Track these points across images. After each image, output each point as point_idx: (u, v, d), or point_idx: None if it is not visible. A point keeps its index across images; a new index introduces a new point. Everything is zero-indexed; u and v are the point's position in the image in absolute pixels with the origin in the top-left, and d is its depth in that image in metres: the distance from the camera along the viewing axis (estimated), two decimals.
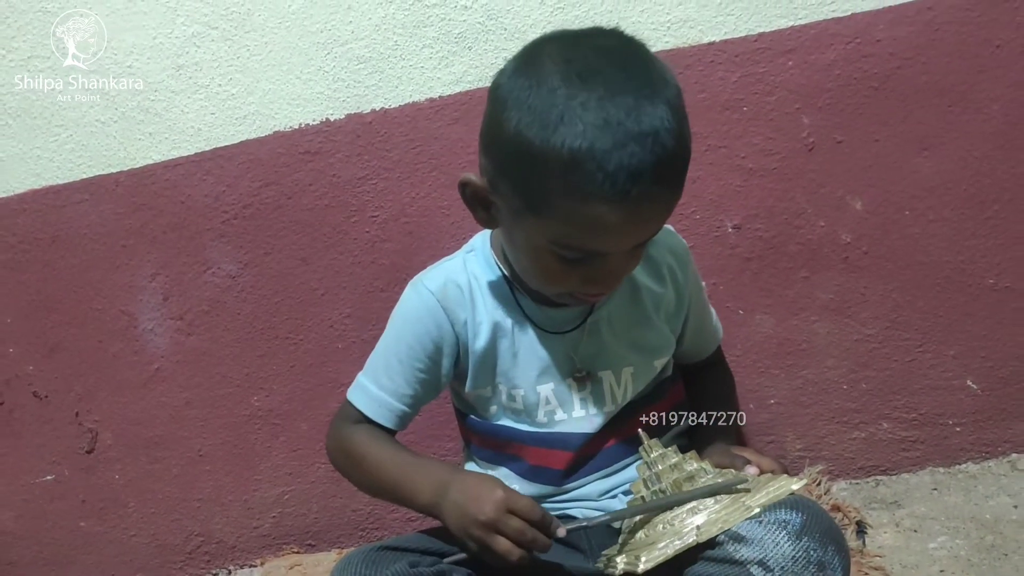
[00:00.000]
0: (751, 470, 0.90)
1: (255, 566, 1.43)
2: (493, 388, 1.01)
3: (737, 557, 0.85)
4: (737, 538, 0.86)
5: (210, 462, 1.41)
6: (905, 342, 1.29)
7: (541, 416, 1.01)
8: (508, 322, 0.99)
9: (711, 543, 0.83)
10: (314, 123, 1.29)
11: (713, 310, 1.12)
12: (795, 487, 0.85)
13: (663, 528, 0.85)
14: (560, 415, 1.01)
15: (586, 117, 0.75)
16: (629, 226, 0.80)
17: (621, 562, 0.86)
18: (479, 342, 0.99)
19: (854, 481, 1.34)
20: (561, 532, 0.86)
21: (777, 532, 0.85)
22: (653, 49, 1.21)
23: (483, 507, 0.84)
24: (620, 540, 0.91)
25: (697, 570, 0.86)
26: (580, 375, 0.99)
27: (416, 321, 1.00)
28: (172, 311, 1.36)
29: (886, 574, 1.09)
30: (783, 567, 0.83)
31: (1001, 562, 1.09)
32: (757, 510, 0.83)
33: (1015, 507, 1.20)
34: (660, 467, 0.88)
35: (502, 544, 0.84)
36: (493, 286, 0.99)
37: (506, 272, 0.98)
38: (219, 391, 1.39)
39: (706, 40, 1.23)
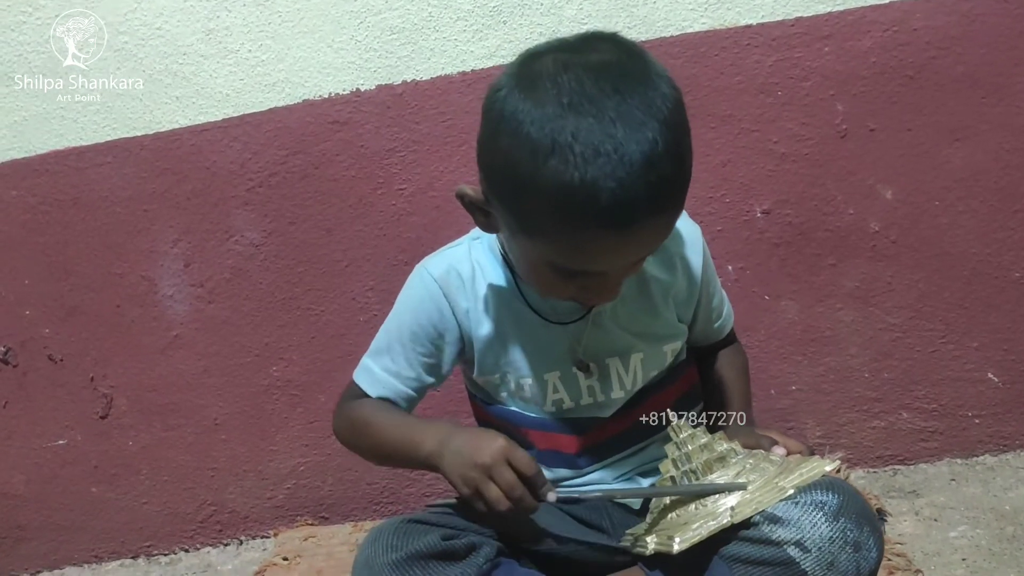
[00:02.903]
0: (779, 451, 0.89)
1: (267, 536, 1.43)
2: (501, 376, 1.01)
3: (774, 538, 0.85)
4: (773, 519, 0.85)
5: (226, 431, 1.40)
6: (929, 333, 1.29)
7: (549, 404, 1.00)
8: (512, 311, 0.98)
9: (746, 523, 0.83)
10: (344, 93, 1.28)
11: (724, 293, 1.12)
12: (828, 468, 0.85)
13: (696, 508, 0.85)
14: (568, 403, 1.00)
15: (576, 148, 0.73)
16: (626, 250, 0.80)
17: (652, 542, 0.86)
18: (482, 330, 0.98)
19: (872, 470, 1.34)
20: (551, 497, 0.86)
21: (814, 513, 0.85)
22: (689, 31, 1.23)
23: (483, 452, 0.85)
24: (649, 519, 0.90)
25: (733, 550, 0.86)
26: (584, 364, 0.99)
27: (418, 306, 1.00)
28: (193, 278, 1.35)
29: (908, 561, 1.09)
30: (820, 547, 0.83)
31: (1023, 552, 1.10)
32: (791, 491, 0.83)
33: None
34: (690, 447, 0.87)
35: (493, 491, 0.84)
36: (497, 275, 0.98)
37: (510, 261, 0.98)
38: (237, 360, 1.38)
39: (743, 22, 1.23)
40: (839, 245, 1.28)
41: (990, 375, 1.30)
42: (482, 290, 0.98)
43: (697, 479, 0.86)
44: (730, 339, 1.14)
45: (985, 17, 1.20)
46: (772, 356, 1.32)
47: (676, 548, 0.82)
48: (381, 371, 1.01)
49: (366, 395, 1.02)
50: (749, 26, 1.22)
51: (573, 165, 0.73)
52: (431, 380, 1.02)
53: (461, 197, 0.89)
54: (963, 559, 1.10)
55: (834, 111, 1.24)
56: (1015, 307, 1.28)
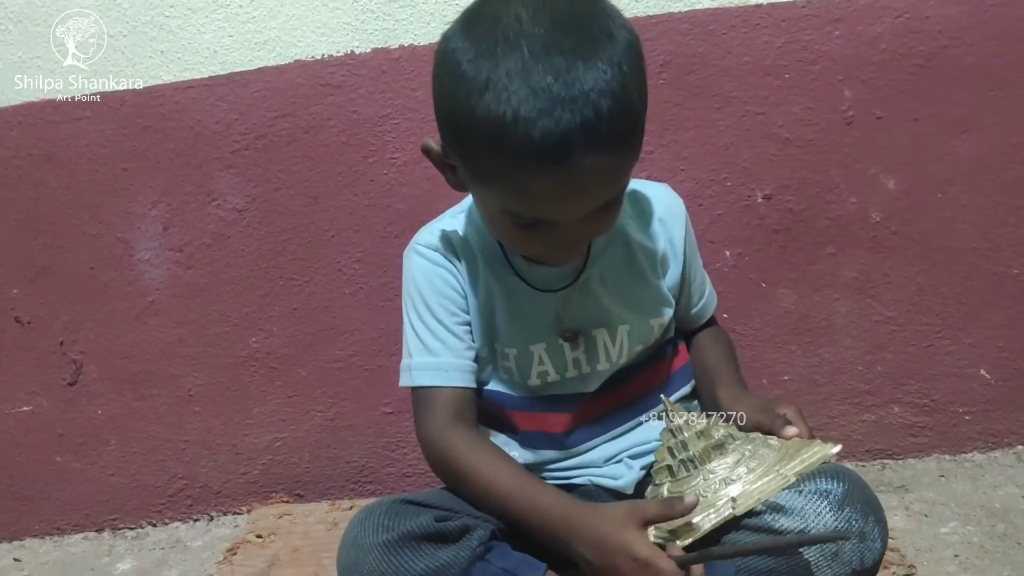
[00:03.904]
0: (790, 431, 0.86)
1: (240, 513, 1.38)
2: (489, 348, 0.98)
3: (777, 527, 0.83)
4: (777, 508, 0.83)
5: (200, 403, 1.35)
6: (925, 327, 1.28)
7: (534, 378, 0.97)
8: (500, 280, 0.96)
9: (749, 512, 0.81)
10: (338, 55, 1.23)
11: (707, 276, 1.07)
12: (833, 451, 0.82)
13: (697, 499, 0.82)
14: (553, 376, 0.97)
15: (511, 84, 0.72)
16: (569, 195, 0.77)
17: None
18: (473, 297, 0.96)
19: (860, 463, 1.32)
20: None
21: (818, 502, 0.83)
22: (699, 7, 1.20)
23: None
24: None
25: (734, 539, 0.84)
26: (570, 334, 0.96)
27: (433, 276, 0.96)
28: (171, 242, 1.30)
29: (902, 556, 1.07)
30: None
31: (1015, 551, 1.08)
32: (794, 479, 0.80)
33: (1023, 497, 1.19)
34: (686, 434, 0.84)
35: None
36: (484, 245, 0.96)
37: None
38: (215, 329, 1.32)
39: (753, 2, 1.19)
40: (839, 234, 1.26)
41: (983, 372, 1.29)
42: (470, 258, 0.96)
43: (695, 467, 0.83)
44: (710, 323, 1.11)
45: (998, 8, 1.18)
46: (766, 344, 1.30)
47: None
48: (434, 358, 0.96)
49: (434, 391, 0.95)
50: (760, 5, 1.19)
51: (506, 101, 0.72)
52: (478, 344, 0.97)
53: (427, 152, 0.87)
54: (955, 555, 1.09)
55: (841, 97, 1.21)
56: (1013, 304, 1.26)
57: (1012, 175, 1.23)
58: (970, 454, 1.31)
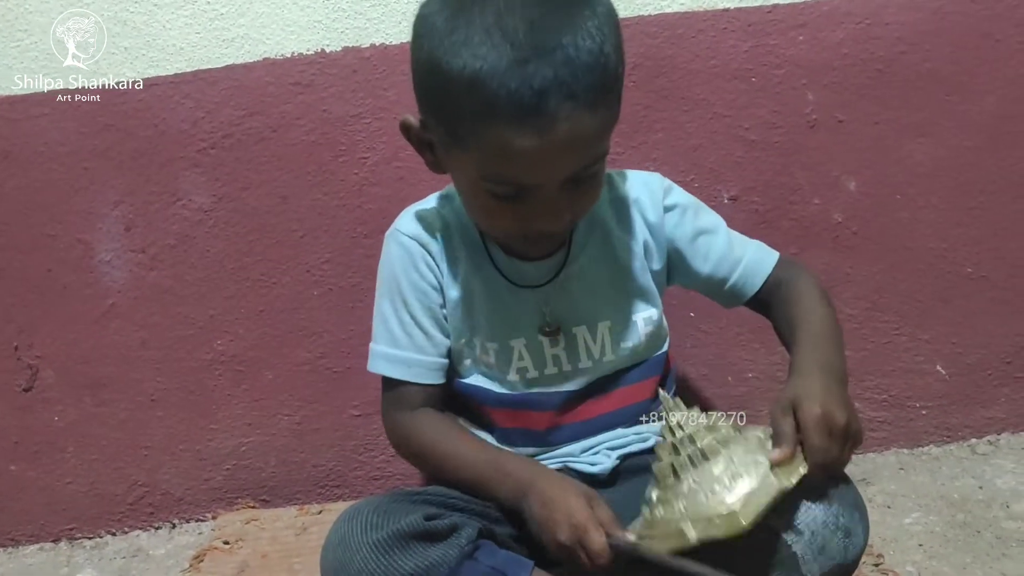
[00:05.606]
0: (773, 455, 0.80)
1: (203, 520, 1.35)
2: (469, 340, 0.97)
3: (768, 521, 0.84)
4: None
5: (163, 408, 1.32)
6: (883, 324, 1.32)
7: (512, 373, 0.97)
8: (480, 273, 0.96)
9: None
10: (308, 53, 1.22)
11: (739, 236, 1.00)
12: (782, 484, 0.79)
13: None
14: (532, 372, 0.97)
15: (487, 37, 0.73)
16: (547, 151, 0.76)
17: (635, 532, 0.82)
18: (452, 290, 0.96)
19: None
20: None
21: (810, 499, 0.84)
22: (668, 11, 1.22)
23: (559, 531, 0.83)
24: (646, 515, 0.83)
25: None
26: (550, 330, 0.96)
27: (409, 268, 0.96)
28: (134, 243, 1.26)
29: (870, 545, 1.10)
30: (813, 531, 0.83)
31: (975, 539, 1.12)
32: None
33: (980, 488, 1.23)
34: (691, 428, 0.82)
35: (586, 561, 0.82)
36: (465, 234, 0.96)
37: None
38: (179, 332, 1.29)
39: (721, 6, 1.22)
40: (802, 235, 1.29)
41: (938, 367, 1.33)
42: (451, 248, 0.96)
43: (699, 462, 0.81)
44: (787, 276, 0.98)
45: (953, 16, 1.22)
46: (730, 343, 1.32)
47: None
48: (400, 351, 0.96)
49: (401, 384, 0.97)
50: (727, 10, 1.22)
51: (484, 54, 0.72)
52: (454, 338, 0.98)
53: (406, 129, 0.87)
54: (920, 544, 1.12)
55: (805, 100, 1.24)
56: (965, 302, 1.31)
57: (965, 177, 1.27)
58: (927, 447, 1.35)
